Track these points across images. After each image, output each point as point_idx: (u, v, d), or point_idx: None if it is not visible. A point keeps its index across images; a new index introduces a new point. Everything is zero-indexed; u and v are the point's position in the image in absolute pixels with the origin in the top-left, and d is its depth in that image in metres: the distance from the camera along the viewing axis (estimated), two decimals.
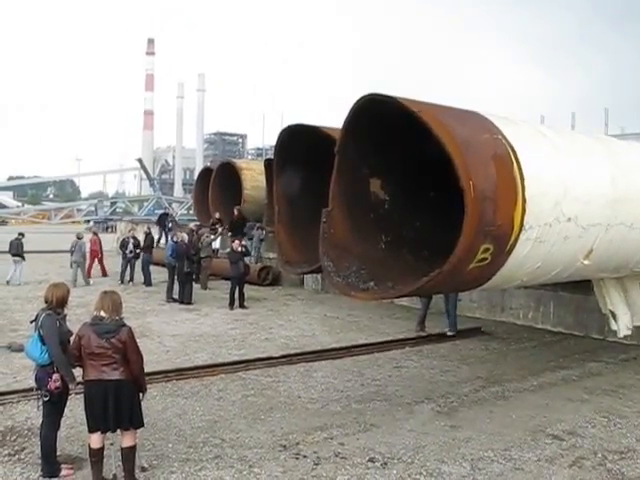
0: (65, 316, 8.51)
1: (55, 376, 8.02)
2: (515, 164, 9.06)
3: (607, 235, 10.95)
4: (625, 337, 14.60)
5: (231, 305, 21.86)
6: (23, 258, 28.20)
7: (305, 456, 9.07)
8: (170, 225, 34.47)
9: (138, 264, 28.00)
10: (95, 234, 31.78)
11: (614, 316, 14.13)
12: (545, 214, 9.50)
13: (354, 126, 9.67)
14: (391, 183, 10.61)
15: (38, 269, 31.11)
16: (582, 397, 12.21)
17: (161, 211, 59.71)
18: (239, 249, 22.53)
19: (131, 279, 27.78)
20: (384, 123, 9.55)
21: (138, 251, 28.02)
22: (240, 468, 8.59)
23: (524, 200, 9.02)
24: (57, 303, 8.34)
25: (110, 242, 47.67)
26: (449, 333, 17.62)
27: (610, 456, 9.39)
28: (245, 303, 22.18)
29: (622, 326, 14.09)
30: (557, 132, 11.34)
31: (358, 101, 9.38)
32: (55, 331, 8.14)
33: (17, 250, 28.02)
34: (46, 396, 8.11)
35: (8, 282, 26.98)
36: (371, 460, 8.96)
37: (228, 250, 24.22)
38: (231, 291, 22.17)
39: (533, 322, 19.18)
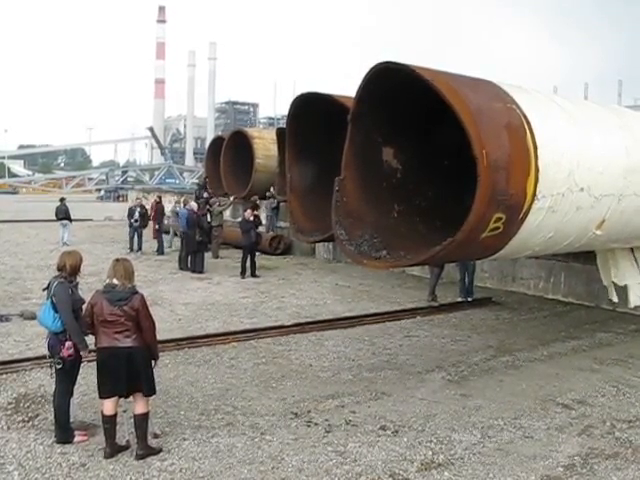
0: (77, 284, 8.55)
1: (68, 344, 8.08)
2: (528, 133, 9.02)
3: (619, 205, 10.91)
4: (636, 308, 14.60)
5: (243, 274, 21.90)
6: (70, 220, 30.52)
7: (316, 424, 9.13)
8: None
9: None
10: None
11: (626, 287, 14.14)
12: (558, 184, 9.47)
13: (367, 94, 9.62)
14: (404, 152, 10.59)
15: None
16: (592, 367, 12.23)
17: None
18: (251, 218, 22.55)
19: (139, 248, 27.82)
20: (397, 91, 9.50)
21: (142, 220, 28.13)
22: (252, 435, 8.65)
23: (537, 169, 8.99)
24: (70, 271, 8.37)
25: (121, 211, 48.03)
26: (469, 299, 17.88)
27: (619, 425, 9.43)
28: (257, 272, 22.23)
29: (634, 297, 14.10)
30: (571, 102, 11.27)
31: (371, 69, 9.31)
32: (68, 299, 8.18)
33: (64, 214, 30.27)
34: (59, 364, 8.17)
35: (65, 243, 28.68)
36: (382, 428, 9.02)
37: (240, 219, 24.23)
38: (243, 260, 22.21)
39: (544, 292, 19.19)
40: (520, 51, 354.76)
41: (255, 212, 23.37)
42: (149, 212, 29.49)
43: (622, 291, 14.37)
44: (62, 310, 8.12)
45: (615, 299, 14.48)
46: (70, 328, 8.12)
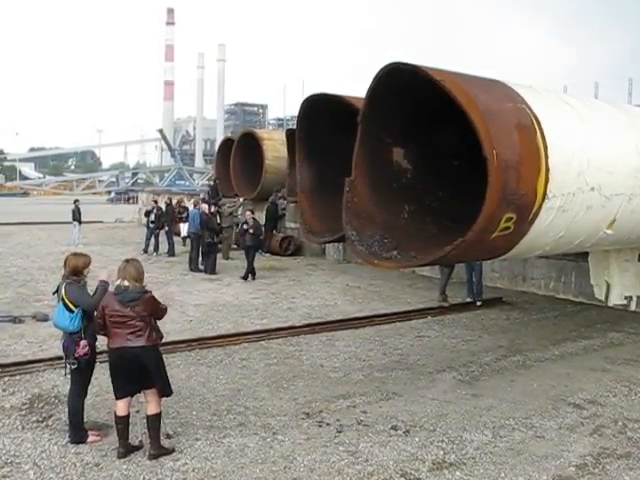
0: (85, 283, 8.59)
1: (82, 342, 8.12)
2: (539, 133, 9.01)
3: (630, 204, 10.88)
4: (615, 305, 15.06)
5: (253, 275, 21.82)
6: (79, 222, 31.41)
7: (328, 424, 9.15)
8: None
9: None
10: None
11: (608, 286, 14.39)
12: (568, 183, 9.47)
13: (377, 95, 9.62)
14: (414, 152, 10.60)
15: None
16: (603, 367, 12.22)
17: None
18: (250, 221, 22.42)
19: (156, 249, 28.00)
20: (407, 92, 9.51)
21: (158, 221, 28.22)
22: (264, 435, 8.68)
23: (547, 169, 8.98)
24: (70, 271, 8.41)
25: (131, 213, 48.19)
26: (478, 303, 17.73)
27: (630, 424, 9.41)
28: (255, 275, 21.83)
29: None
30: (581, 101, 11.25)
31: (381, 70, 9.33)
32: (81, 291, 8.32)
33: (73, 215, 31.35)
34: (74, 364, 8.20)
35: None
36: (393, 428, 9.03)
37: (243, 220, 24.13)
38: (248, 261, 22.00)
39: (554, 292, 19.17)
40: (528, 50, 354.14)
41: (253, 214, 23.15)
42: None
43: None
44: (82, 299, 8.24)
45: (603, 298, 14.80)
46: (97, 300, 8.20)
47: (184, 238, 28.96)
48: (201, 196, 31.39)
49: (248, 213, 22.87)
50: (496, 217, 8.56)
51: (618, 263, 14.19)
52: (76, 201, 32.46)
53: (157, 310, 8.14)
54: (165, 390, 8.15)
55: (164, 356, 8.46)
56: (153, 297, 8.08)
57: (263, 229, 25.84)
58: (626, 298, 14.60)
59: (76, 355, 8.13)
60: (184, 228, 28.92)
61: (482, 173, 8.27)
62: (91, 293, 8.52)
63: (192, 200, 29.97)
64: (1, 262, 24.93)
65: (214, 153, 47.37)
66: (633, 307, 14.78)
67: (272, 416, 9.39)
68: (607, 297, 14.53)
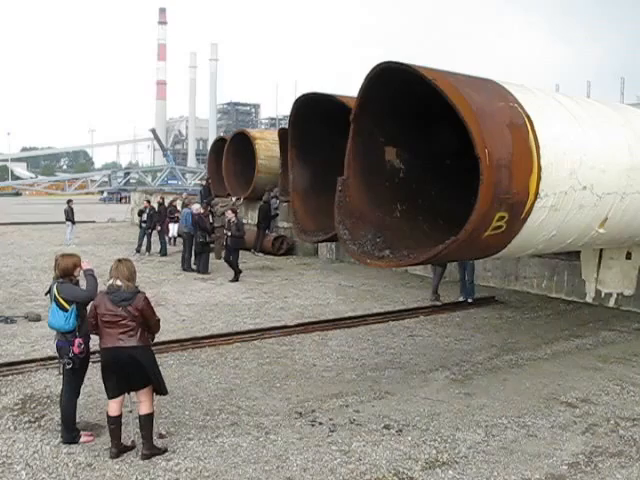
0: (77, 282, 8.57)
1: (78, 341, 8.10)
2: (531, 132, 9.02)
3: (622, 203, 10.91)
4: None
5: (239, 272, 21.55)
6: (72, 222, 31.46)
7: (321, 423, 9.14)
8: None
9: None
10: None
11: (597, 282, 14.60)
12: (561, 182, 9.47)
13: (369, 94, 9.62)
14: (406, 151, 10.60)
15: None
16: (596, 365, 12.24)
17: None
18: (234, 219, 22.27)
19: (148, 249, 27.98)
20: (399, 91, 9.51)
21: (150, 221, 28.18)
22: (256, 435, 8.67)
23: (539, 168, 8.99)
24: (60, 273, 8.39)
25: (124, 213, 48.14)
26: (469, 300, 17.74)
27: (623, 423, 9.43)
28: (231, 278, 21.48)
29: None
30: (573, 100, 11.26)
31: (373, 69, 9.32)
32: (75, 287, 8.36)
33: (66, 215, 31.51)
34: (69, 364, 8.17)
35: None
36: (386, 427, 9.03)
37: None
38: (234, 261, 21.82)
39: (547, 291, 19.19)
40: (521, 49, 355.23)
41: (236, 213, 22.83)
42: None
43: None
44: (77, 295, 8.25)
45: (592, 294, 15.11)
46: (92, 291, 8.23)
47: (171, 238, 29.04)
48: (184, 195, 31.42)
49: (229, 212, 22.61)
50: (488, 216, 8.56)
51: (603, 261, 14.32)
52: (69, 201, 32.47)
53: (151, 321, 8.06)
54: (161, 388, 8.15)
55: (157, 356, 8.45)
56: (147, 300, 8.03)
57: (257, 226, 25.84)
58: (606, 295, 14.87)
59: (71, 355, 8.11)
60: (173, 228, 29.01)
61: (475, 172, 8.28)
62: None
63: (184, 200, 30.00)
64: None
65: (206, 152, 47.39)
66: (612, 303, 15.30)
67: (265, 415, 9.38)
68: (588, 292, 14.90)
